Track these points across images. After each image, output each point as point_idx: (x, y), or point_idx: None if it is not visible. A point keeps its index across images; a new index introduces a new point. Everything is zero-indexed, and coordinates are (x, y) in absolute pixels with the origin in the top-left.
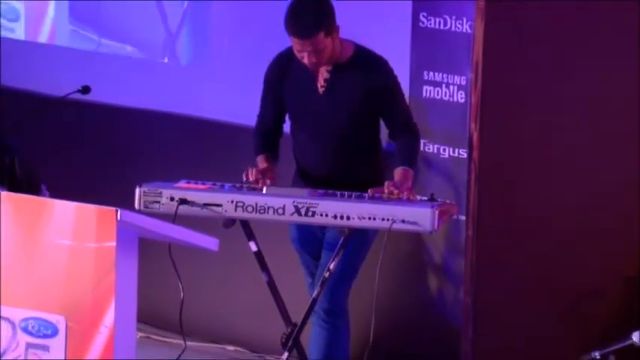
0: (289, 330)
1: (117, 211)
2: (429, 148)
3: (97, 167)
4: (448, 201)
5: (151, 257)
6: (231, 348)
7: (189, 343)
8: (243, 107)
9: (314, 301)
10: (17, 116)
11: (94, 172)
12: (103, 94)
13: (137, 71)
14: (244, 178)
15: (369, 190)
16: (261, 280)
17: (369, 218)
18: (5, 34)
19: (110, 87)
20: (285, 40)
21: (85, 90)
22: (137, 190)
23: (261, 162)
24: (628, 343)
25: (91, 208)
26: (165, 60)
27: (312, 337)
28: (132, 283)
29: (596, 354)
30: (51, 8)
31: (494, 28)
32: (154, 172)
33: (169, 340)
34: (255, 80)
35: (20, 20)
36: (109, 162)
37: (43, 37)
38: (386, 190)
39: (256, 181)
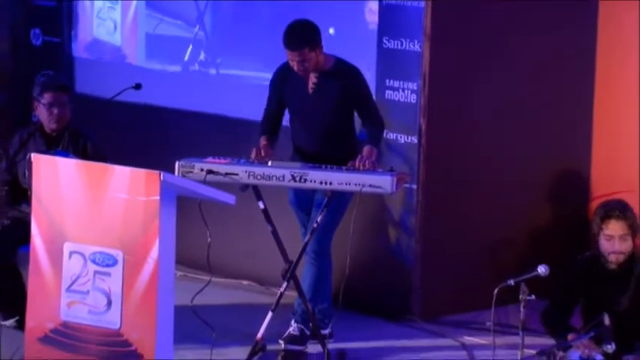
0: (287, 266)
1: (160, 173)
2: (389, 136)
3: (146, 150)
4: (403, 172)
5: (187, 216)
6: (245, 282)
7: (213, 279)
8: (255, 108)
9: (305, 245)
10: (89, 113)
11: (143, 153)
12: (150, 97)
13: (176, 80)
14: (252, 155)
15: (348, 163)
16: (267, 231)
17: (346, 184)
18: (110, 10)
19: (155, 92)
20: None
21: (138, 86)
22: (177, 164)
23: (262, 140)
24: (534, 274)
25: (141, 172)
26: (197, 28)
27: (304, 272)
28: (171, 227)
29: (511, 281)
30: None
31: (437, 48)
32: (188, 156)
33: (200, 277)
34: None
35: (118, 6)
36: (155, 147)
37: (129, 16)
38: (357, 163)
39: (256, 156)
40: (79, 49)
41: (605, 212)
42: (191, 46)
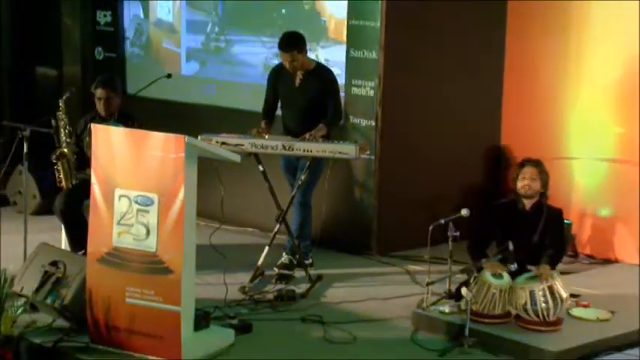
0: (280, 212)
1: (185, 137)
2: (354, 120)
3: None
4: (364, 144)
5: (208, 182)
6: (250, 229)
7: (226, 227)
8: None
9: (293, 198)
10: (135, 108)
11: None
12: (177, 96)
13: (198, 83)
14: (254, 132)
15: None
16: (265, 187)
17: (323, 151)
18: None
19: (185, 90)
20: None
21: (169, 76)
22: (199, 137)
23: (262, 124)
24: (459, 215)
25: (171, 136)
26: (213, 13)
27: (292, 218)
28: (193, 177)
29: (442, 220)
30: None
31: (390, 56)
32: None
33: (217, 226)
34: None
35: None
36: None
37: (177, 5)
38: (307, 136)
39: (256, 134)
40: (150, 26)
41: (522, 162)
42: (210, 24)
